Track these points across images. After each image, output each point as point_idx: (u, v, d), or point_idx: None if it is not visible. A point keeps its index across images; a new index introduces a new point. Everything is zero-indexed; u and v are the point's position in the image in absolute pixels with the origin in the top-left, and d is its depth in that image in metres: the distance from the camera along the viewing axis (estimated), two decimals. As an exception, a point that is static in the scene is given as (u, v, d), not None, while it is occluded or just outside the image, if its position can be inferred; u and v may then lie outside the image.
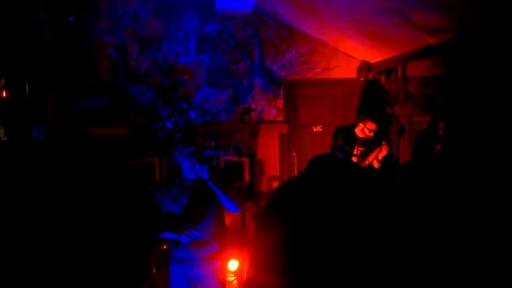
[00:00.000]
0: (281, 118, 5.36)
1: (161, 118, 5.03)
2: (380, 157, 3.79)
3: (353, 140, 3.42)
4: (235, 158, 4.82)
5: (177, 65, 5.15)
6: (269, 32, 5.33)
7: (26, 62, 4.34)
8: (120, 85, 5.07)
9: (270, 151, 5.27)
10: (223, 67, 5.26)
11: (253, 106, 5.32)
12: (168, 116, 4.99)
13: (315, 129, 5.36)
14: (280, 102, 5.37)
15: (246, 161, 4.78)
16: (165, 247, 3.51)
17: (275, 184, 5.25)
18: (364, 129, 3.81)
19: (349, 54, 5.37)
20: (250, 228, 4.50)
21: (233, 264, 3.81)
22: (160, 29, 5.13)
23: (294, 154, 4.62)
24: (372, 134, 3.83)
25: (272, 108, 5.35)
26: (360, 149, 3.75)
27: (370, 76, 5.28)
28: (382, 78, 5.06)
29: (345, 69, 5.42)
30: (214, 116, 5.23)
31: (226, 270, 2.99)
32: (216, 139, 5.02)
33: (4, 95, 4.57)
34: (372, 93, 5.18)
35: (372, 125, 3.87)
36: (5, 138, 4.48)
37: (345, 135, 3.50)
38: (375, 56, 5.01)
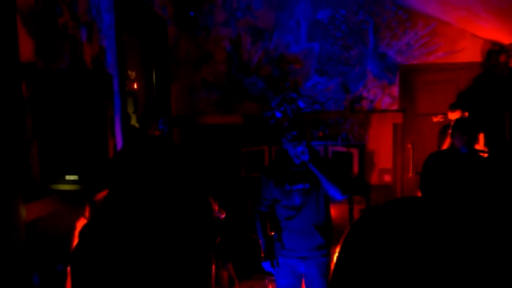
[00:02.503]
0: (395, 107, 5.06)
1: (271, 107, 5.14)
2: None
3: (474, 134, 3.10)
4: (343, 149, 4.72)
5: (287, 54, 5.19)
6: (385, 14, 5.03)
7: (153, 56, 4.79)
8: (234, 76, 5.30)
9: (382, 142, 5.03)
10: (333, 54, 5.14)
11: (364, 94, 5.11)
12: (277, 105, 5.08)
13: (434, 119, 4.95)
14: (395, 90, 5.06)
15: (355, 152, 4.65)
16: (272, 233, 3.63)
17: (387, 177, 5.01)
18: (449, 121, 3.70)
19: (476, 34, 4.80)
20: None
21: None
22: (272, 18, 5.20)
23: (409, 146, 4.35)
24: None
25: (386, 96, 5.08)
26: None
27: (503, 59, 4.66)
28: (518, 61, 4.44)
29: (472, 52, 4.87)
30: (323, 105, 5.17)
31: (332, 264, 2.99)
32: (325, 129, 4.96)
33: (135, 86, 5.12)
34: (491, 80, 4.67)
35: (451, 115, 3.74)
36: (137, 124, 5.04)
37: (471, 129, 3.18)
38: (508, 36, 4.40)
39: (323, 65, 5.15)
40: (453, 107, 3.90)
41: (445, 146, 3.87)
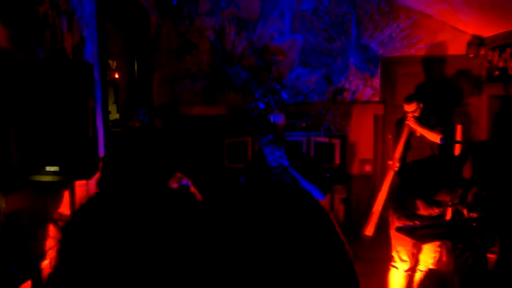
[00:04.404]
0: (377, 98, 5.12)
1: (255, 98, 5.15)
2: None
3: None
4: (326, 140, 4.77)
5: (271, 45, 5.19)
6: (368, 6, 5.06)
7: (135, 45, 4.73)
8: (218, 66, 5.28)
9: (363, 133, 5.10)
10: (317, 46, 5.16)
11: (346, 86, 5.15)
12: (261, 96, 5.09)
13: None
14: (376, 82, 5.11)
15: (337, 142, 4.70)
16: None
17: (367, 167, 5.09)
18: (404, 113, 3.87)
19: (457, 28, 4.87)
20: (339, 212, 4.46)
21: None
22: (257, 9, 5.18)
23: (390, 137, 4.41)
24: (411, 115, 3.81)
25: (367, 88, 5.14)
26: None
27: (482, 52, 4.75)
28: (496, 55, 4.53)
29: (452, 45, 4.94)
30: (306, 96, 5.20)
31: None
32: (308, 120, 5.00)
33: (116, 76, 5.06)
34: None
35: (406, 107, 3.85)
36: (117, 114, 4.98)
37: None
38: (488, 29, 4.48)
39: (306, 57, 5.17)
40: (409, 99, 3.94)
41: (402, 138, 3.94)
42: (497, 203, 2.94)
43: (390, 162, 3.98)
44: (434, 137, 3.78)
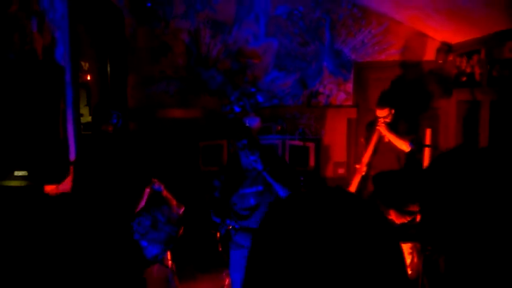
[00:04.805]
0: (350, 102, 5.21)
1: (230, 102, 5.15)
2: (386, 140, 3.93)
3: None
4: (300, 143, 4.82)
5: (246, 49, 5.21)
6: (341, 12, 5.15)
7: (108, 47, 4.66)
8: (194, 69, 5.25)
9: (337, 136, 5.17)
10: (292, 50, 5.21)
11: (321, 90, 5.23)
12: (236, 99, 5.10)
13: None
14: (349, 86, 5.21)
15: (311, 146, 4.76)
16: (230, 228, 3.66)
17: (341, 170, 5.17)
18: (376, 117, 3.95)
19: (427, 34, 5.02)
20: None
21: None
22: (232, 12, 5.19)
23: (362, 140, 4.50)
24: (382, 120, 3.87)
25: (341, 92, 5.22)
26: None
27: (451, 58, 4.91)
28: (464, 61, 4.69)
29: (422, 51, 5.08)
30: (281, 99, 5.24)
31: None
32: (283, 123, 5.04)
33: (89, 78, 4.96)
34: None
35: (379, 112, 3.91)
36: (90, 117, 4.88)
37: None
38: (456, 36, 4.64)
39: (281, 60, 5.22)
40: (382, 104, 3.98)
41: (372, 142, 4.03)
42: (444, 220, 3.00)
43: (358, 166, 4.06)
44: (402, 145, 3.88)
